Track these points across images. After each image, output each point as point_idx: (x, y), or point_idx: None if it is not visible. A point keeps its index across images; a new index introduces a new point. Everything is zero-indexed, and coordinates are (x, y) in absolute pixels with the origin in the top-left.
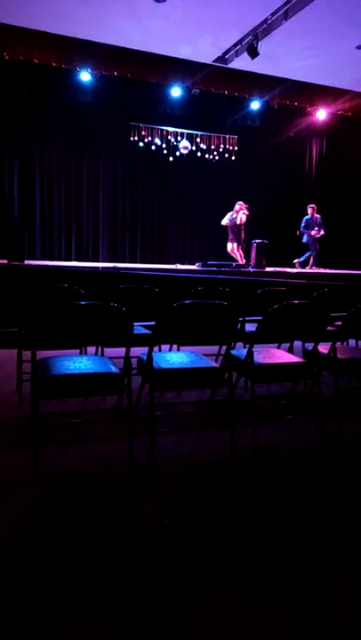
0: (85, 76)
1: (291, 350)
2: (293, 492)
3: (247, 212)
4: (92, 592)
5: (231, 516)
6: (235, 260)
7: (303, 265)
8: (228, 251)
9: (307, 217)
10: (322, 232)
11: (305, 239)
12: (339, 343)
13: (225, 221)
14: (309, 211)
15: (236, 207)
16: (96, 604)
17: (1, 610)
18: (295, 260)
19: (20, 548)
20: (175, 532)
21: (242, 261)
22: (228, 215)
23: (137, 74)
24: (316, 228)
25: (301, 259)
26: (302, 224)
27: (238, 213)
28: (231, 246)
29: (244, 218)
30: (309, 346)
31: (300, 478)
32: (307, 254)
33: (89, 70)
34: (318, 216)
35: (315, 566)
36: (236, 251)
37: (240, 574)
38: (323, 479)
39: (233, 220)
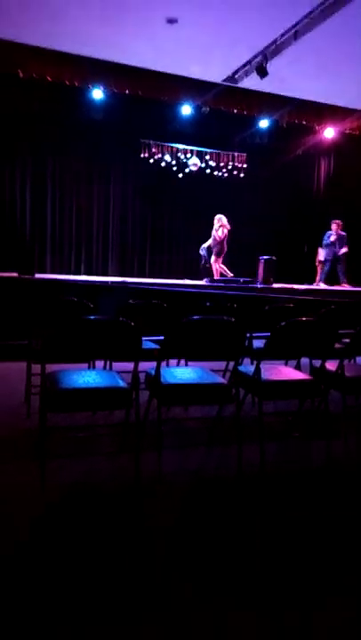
0: (97, 94)
1: (298, 367)
2: (300, 510)
3: (226, 227)
4: (93, 605)
5: (237, 533)
6: (223, 275)
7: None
8: (211, 263)
9: (329, 232)
10: (344, 249)
11: (325, 255)
12: (346, 361)
13: (208, 243)
14: (333, 227)
15: (216, 224)
16: (97, 617)
17: (5, 621)
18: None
19: (26, 559)
20: (180, 548)
21: (223, 275)
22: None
23: (148, 92)
24: (333, 240)
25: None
26: (324, 240)
27: (217, 230)
28: (214, 259)
29: (221, 232)
30: (317, 363)
31: (307, 496)
32: (326, 269)
33: (101, 88)
34: (343, 233)
35: (318, 585)
36: (214, 263)
37: (245, 592)
38: (329, 497)
39: (213, 237)
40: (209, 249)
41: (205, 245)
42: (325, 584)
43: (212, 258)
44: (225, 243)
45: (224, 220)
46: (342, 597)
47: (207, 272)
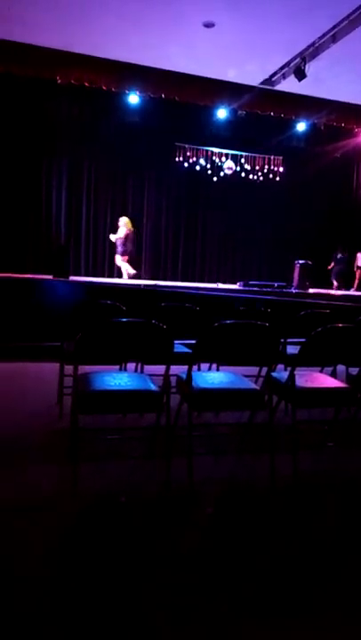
0: (134, 99)
1: (334, 375)
2: (334, 522)
3: (125, 227)
4: (119, 614)
5: (269, 545)
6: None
7: None
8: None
9: None
10: None
11: None
12: None
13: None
14: None
15: (119, 223)
16: (122, 627)
17: (28, 626)
18: None
19: (55, 563)
20: (208, 559)
21: (126, 273)
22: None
23: (184, 96)
24: None
25: None
26: None
27: (120, 229)
28: (118, 258)
29: (122, 232)
30: (354, 371)
31: (342, 508)
32: None
33: (137, 93)
34: None
35: (356, 600)
36: (120, 262)
37: (274, 608)
38: None
39: (117, 235)
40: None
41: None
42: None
43: (118, 257)
44: (129, 243)
45: (123, 221)
46: None
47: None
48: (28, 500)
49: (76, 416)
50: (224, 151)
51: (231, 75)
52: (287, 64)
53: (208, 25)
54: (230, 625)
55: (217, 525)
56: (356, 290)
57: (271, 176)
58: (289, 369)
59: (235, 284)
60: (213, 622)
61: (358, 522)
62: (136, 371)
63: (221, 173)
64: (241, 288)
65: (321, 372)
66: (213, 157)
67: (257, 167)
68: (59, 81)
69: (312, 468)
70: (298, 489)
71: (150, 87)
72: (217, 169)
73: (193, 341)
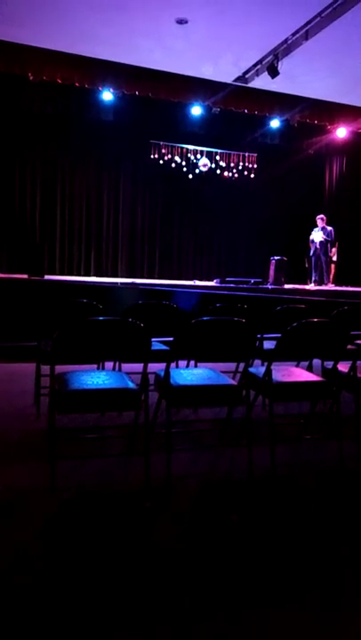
0: (107, 96)
1: (310, 369)
2: (312, 513)
3: None
4: (101, 612)
5: (247, 536)
6: None
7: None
8: None
9: (330, 228)
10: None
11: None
12: (359, 362)
13: None
14: (320, 222)
15: None
16: (105, 624)
17: (8, 627)
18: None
19: (34, 562)
20: (189, 553)
21: None
22: None
23: (158, 93)
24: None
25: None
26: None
27: None
28: None
29: None
30: (329, 364)
31: (319, 499)
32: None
33: (111, 90)
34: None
35: (332, 590)
36: None
37: (253, 599)
38: (342, 501)
39: None
40: None
41: None
42: (338, 588)
43: None
44: None
45: None
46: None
47: None
48: (6, 497)
49: (53, 416)
50: (199, 148)
51: (205, 72)
52: (260, 61)
53: (181, 21)
54: (210, 614)
55: (196, 516)
56: (333, 285)
57: (246, 173)
58: (266, 364)
59: (211, 280)
60: (194, 611)
61: (333, 510)
62: (114, 369)
63: (197, 171)
64: (218, 285)
65: (297, 366)
66: (189, 155)
67: (232, 164)
68: (30, 77)
69: (289, 460)
70: (275, 481)
71: (124, 84)
72: (192, 166)
73: (171, 339)
